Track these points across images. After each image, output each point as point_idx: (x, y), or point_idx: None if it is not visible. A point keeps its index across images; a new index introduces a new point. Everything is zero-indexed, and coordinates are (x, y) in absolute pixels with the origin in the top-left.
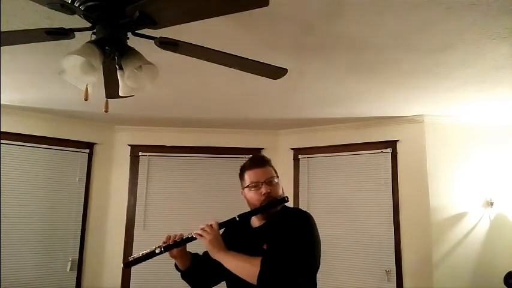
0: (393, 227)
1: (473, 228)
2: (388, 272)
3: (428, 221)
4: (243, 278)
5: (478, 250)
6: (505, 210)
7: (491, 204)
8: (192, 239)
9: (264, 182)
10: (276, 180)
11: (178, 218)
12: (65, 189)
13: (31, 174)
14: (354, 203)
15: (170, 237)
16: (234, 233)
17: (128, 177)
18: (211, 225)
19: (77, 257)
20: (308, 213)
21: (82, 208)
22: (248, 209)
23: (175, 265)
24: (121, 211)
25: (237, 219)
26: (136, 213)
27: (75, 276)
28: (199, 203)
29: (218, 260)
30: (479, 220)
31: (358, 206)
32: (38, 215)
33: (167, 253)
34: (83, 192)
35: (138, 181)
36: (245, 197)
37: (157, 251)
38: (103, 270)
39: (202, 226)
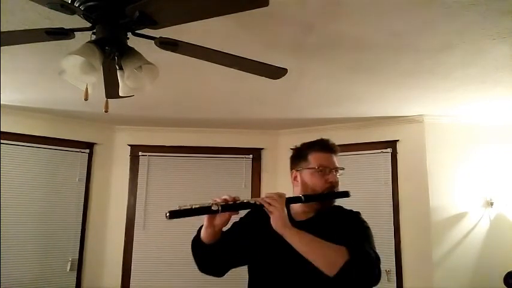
0: (393, 227)
1: (473, 228)
2: (388, 272)
3: (428, 221)
4: (317, 264)
5: (478, 250)
6: (505, 210)
7: (491, 204)
8: (255, 205)
9: (333, 169)
10: (341, 172)
11: (178, 218)
12: (65, 189)
13: (31, 174)
14: (354, 203)
15: (227, 198)
16: (268, 223)
17: (128, 177)
18: (280, 194)
19: (77, 257)
20: (361, 214)
21: (82, 208)
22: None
23: (199, 230)
24: (121, 211)
25: (303, 199)
26: (136, 213)
27: (75, 276)
28: (199, 203)
29: (286, 236)
30: (479, 220)
31: (357, 206)
32: (38, 215)
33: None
34: (83, 192)
35: (138, 181)
36: (301, 179)
37: (213, 208)
38: (103, 270)
39: (269, 194)
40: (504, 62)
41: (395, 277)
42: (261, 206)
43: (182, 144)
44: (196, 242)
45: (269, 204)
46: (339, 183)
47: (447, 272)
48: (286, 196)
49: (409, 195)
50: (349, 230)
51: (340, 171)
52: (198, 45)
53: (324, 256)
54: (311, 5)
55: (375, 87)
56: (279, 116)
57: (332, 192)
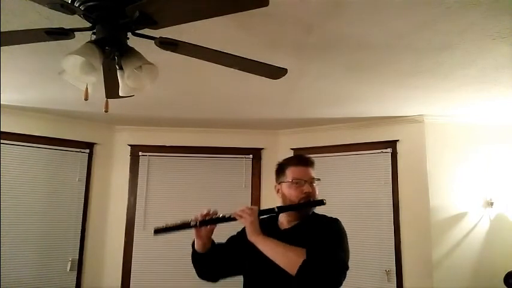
0: (393, 227)
1: (473, 228)
2: (388, 272)
3: (428, 221)
4: (281, 266)
5: (478, 250)
6: (505, 210)
7: (491, 204)
8: (230, 219)
9: (307, 181)
10: (317, 182)
11: (178, 218)
12: (65, 189)
13: (31, 174)
14: (354, 203)
15: (206, 213)
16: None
17: (128, 177)
18: (251, 208)
19: (77, 257)
20: (340, 221)
21: (82, 208)
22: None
23: (193, 245)
24: (121, 211)
25: (276, 210)
26: (136, 213)
27: (75, 276)
28: (199, 203)
29: (256, 243)
30: (479, 220)
31: (358, 206)
32: (38, 215)
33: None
34: (83, 192)
35: (138, 181)
36: (281, 192)
37: (192, 224)
38: (103, 270)
39: (242, 208)
40: (504, 62)
41: (395, 277)
42: (234, 218)
43: (182, 144)
44: (193, 253)
45: (240, 216)
46: (316, 192)
47: (447, 272)
48: (261, 209)
49: (409, 195)
50: (322, 236)
51: (316, 182)
52: (198, 45)
53: (285, 257)
54: (311, 5)
55: (375, 87)
56: (279, 116)
57: (305, 202)
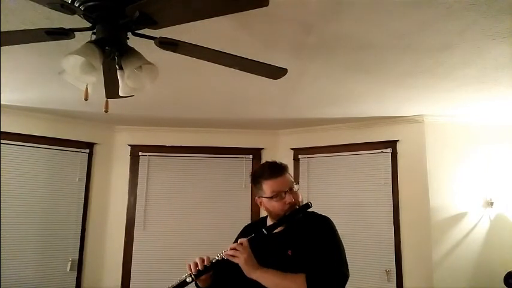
0: (393, 227)
1: (473, 228)
2: (388, 272)
3: (428, 221)
4: None
5: (478, 250)
6: (505, 210)
7: (491, 204)
8: (223, 261)
9: (287, 191)
10: (296, 186)
11: (178, 218)
12: (65, 189)
13: (31, 174)
14: (354, 203)
15: (197, 263)
16: (251, 241)
17: (128, 177)
18: (241, 244)
19: (77, 257)
20: (329, 218)
21: (82, 208)
22: (263, 214)
23: (196, 284)
24: (121, 211)
25: (265, 232)
26: (136, 213)
27: (75, 276)
28: (199, 203)
29: (255, 279)
30: (479, 220)
31: (358, 206)
32: (38, 215)
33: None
34: (83, 192)
35: (138, 181)
36: (264, 206)
37: (188, 280)
38: (103, 270)
39: (232, 246)
40: (504, 62)
41: (395, 277)
42: (227, 260)
43: (182, 144)
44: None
45: (233, 256)
46: (299, 197)
47: (447, 272)
48: (250, 237)
49: (409, 195)
50: (317, 242)
51: (296, 187)
52: (198, 45)
53: None
54: (311, 5)
55: (375, 87)
56: (279, 116)
57: (291, 213)
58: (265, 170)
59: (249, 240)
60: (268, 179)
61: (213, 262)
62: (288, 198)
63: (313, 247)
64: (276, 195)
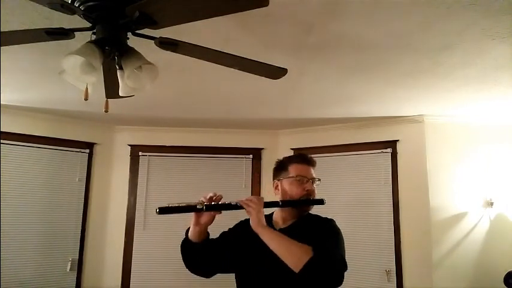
0: (393, 227)
1: (473, 228)
2: (388, 272)
3: (428, 221)
4: (285, 260)
5: (478, 250)
6: (505, 210)
7: (491, 204)
8: (237, 207)
9: (309, 179)
10: (317, 182)
11: (178, 218)
12: (65, 189)
13: (31, 174)
14: (354, 203)
15: (212, 197)
16: (253, 235)
17: (128, 177)
18: (258, 197)
19: (77, 257)
20: (334, 220)
21: (82, 208)
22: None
23: (186, 232)
24: (121, 211)
25: (280, 203)
26: (136, 213)
27: (75, 276)
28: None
29: (261, 234)
30: (479, 220)
31: (358, 206)
32: (38, 215)
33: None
34: (83, 192)
35: (138, 181)
36: (281, 188)
37: (198, 207)
38: (103, 270)
39: (248, 197)
40: (504, 62)
41: (395, 277)
42: (241, 207)
43: (182, 144)
44: (185, 242)
45: (247, 205)
46: (315, 192)
47: (447, 272)
48: (266, 201)
49: (409, 195)
50: (322, 235)
51: (317, 182)
52: (198, 45)
53: (290, 253)
54: (311, 5)
55: (375, 87)
56: (279, 116)
57: (307, 199)
58: (297, 156)
59: (263, 202)
60: (297, 163)
61: (226, 203)
62: (308, 186)
63: (316, 240)
64: (299, 179)
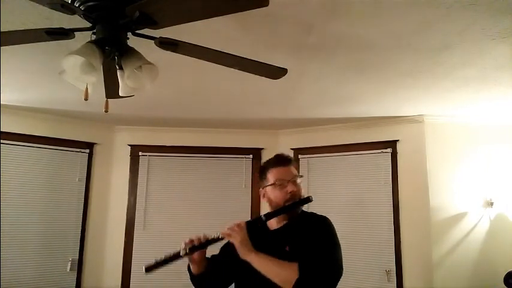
0: (393, 227)
1: (473, 228)
2: (388, 272)
3: (428, 221)
4: (276, 282)
5: (478, 250)
6: (505, 210)
7: (491, 204)
8: (219, 239)
9: (290, 180)
10: (299, 180)
11: (178, 218)
12: (65, 189)
13: (31, 174)
14: (354, 203)
15: (193, 239)
16: (250, 235)
17: (128, 177)
18: (238, 224)
19: (77, 257)
20: (328, 218)
21: (82, 208)
22: (267, 210)
23: (188, 268)
24: (121, 211)
25: (263, 218)
26: (136, 213)
27: (75, 276)
28: (199, 203)
29: (249, 260)
30: (479, 220)
31: (358, 206)
32: (38, 215)
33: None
34: (83, 192)
35: (138, 181)
36: (266, 196)
37: (182, 253)
38: (103, 270)
39: (229, 226)
40: (504, 62)
41: (395, 277)
42: (222, 238)
43: (182, 144)
44: (191, 276)
45: (229, 235)
46: (301, 189)
47: (447, 272)
48: (248, 219)
49: (409, 195)
50: (314, 239)
51: (299, 179)
52: (198, 45)
53: (278, 274)
54: (311, 5)
55: (375, 87)
56: (279, 116)
57: (291, 204)
58: (272, 160)
59: (246, 223)
60: (273, 168)
61: (208, 239)
62: (290, 187)
63: (309, 242)
64: (279, 183)
